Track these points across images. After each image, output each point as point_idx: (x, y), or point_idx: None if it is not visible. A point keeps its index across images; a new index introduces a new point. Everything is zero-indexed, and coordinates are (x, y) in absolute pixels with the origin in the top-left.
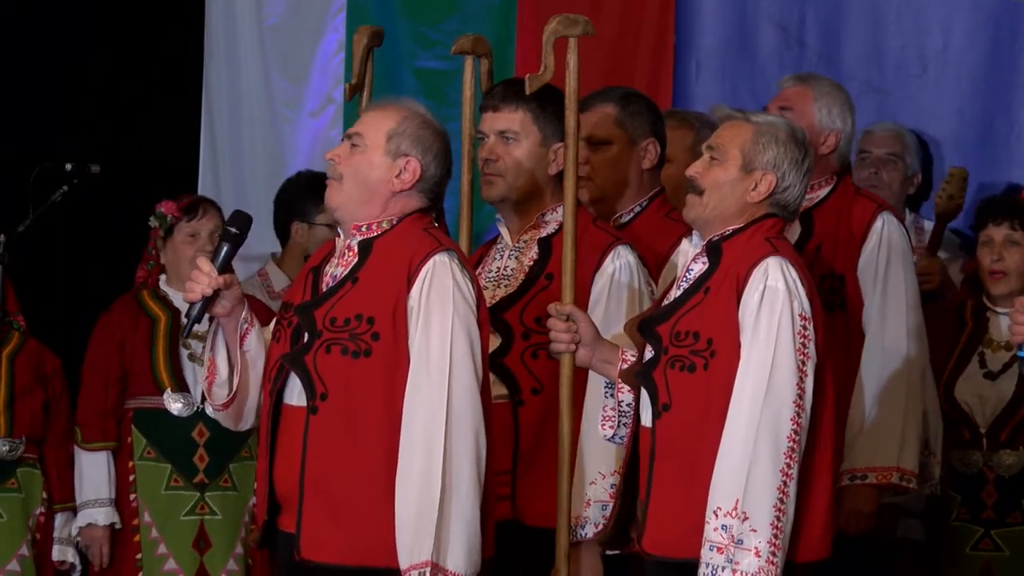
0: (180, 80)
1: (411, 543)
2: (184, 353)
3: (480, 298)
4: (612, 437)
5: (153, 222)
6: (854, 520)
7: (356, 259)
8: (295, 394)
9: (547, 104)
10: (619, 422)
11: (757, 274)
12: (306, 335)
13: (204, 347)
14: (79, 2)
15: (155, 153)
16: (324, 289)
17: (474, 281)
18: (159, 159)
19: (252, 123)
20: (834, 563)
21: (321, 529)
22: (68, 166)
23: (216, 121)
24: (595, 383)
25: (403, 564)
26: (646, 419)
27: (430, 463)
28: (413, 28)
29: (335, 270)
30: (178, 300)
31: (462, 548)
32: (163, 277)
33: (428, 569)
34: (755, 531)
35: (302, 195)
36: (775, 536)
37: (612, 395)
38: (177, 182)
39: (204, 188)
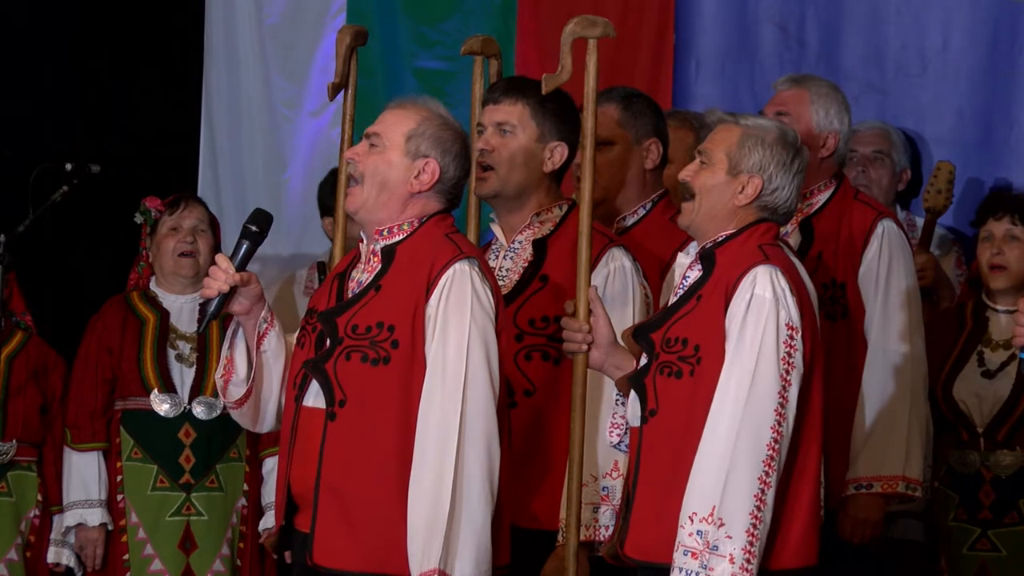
0: (180, 80)
1: (421, 551)
2: (172, 354)
3: (499, 305)
4: (618, 444)
5: (139, 218)
6: (860, 529)
7: (380, 266)
8: (312, 396)
9: (547, 101)
10: (626, 430)
11: (745, 282)
12: (328, 342)
13: (223, 346)
14: (80, 2)
15: (155, 153)
16: (349, 295)
17: (494, 289)
18: (159, 159)
19: (252, 123)
20: (831, 564)
21: (334, 535)
22: (68, 166)
23: (216, 121)
24: (606, 389)
25: (413, 572)
26: (634, 422)
27: (441, 471)
28: (413, 28)
29: (360, 276)
30: (167, 301)
31: (470, 556)
32: (153, 278)
33: None
34: (730, 537)
35: (328, 192)
36: (750, 543)
37: (623, 403)
38: (177, 182)
39: (204, 188)
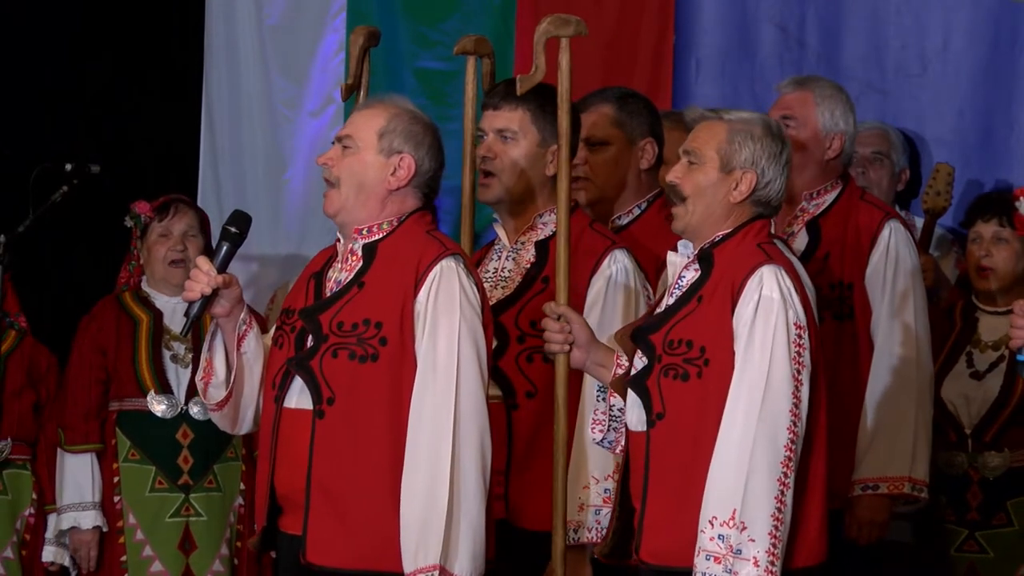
0: (180, 80)
1: (416, 547)
2: (167, 355)
3: (484, 301)
4: (601, 441)
5: (129, 222)
6: (866, 530)
7: (361, 263)
8: (295, 397)
9: (547, 105)
10: (609, 426)
11: (752, 283)
12: (311, 339)
13: (204, 347)
14: (80, 2)
15: (155, 153)
16: (328, 294)
17: (479, 285)
18: (159, 159)
19: (252, 123)
20: (837, 564)
21: (327, 533)
22: (68, 166)
23: (216, 121)
24: (589, 386)
25: (407, 568)
26: (638, 426)
27: (437, 468)
28: (413, 28)
29: (339, 275)
30: (160, 301)
31: (468, 552)
32: (144, 278)
33: (436, 572)
34: (754, 541)
35: None
36: (773, 545)
37: (604, 399)
38: (177, 182)
39: (204, 188)
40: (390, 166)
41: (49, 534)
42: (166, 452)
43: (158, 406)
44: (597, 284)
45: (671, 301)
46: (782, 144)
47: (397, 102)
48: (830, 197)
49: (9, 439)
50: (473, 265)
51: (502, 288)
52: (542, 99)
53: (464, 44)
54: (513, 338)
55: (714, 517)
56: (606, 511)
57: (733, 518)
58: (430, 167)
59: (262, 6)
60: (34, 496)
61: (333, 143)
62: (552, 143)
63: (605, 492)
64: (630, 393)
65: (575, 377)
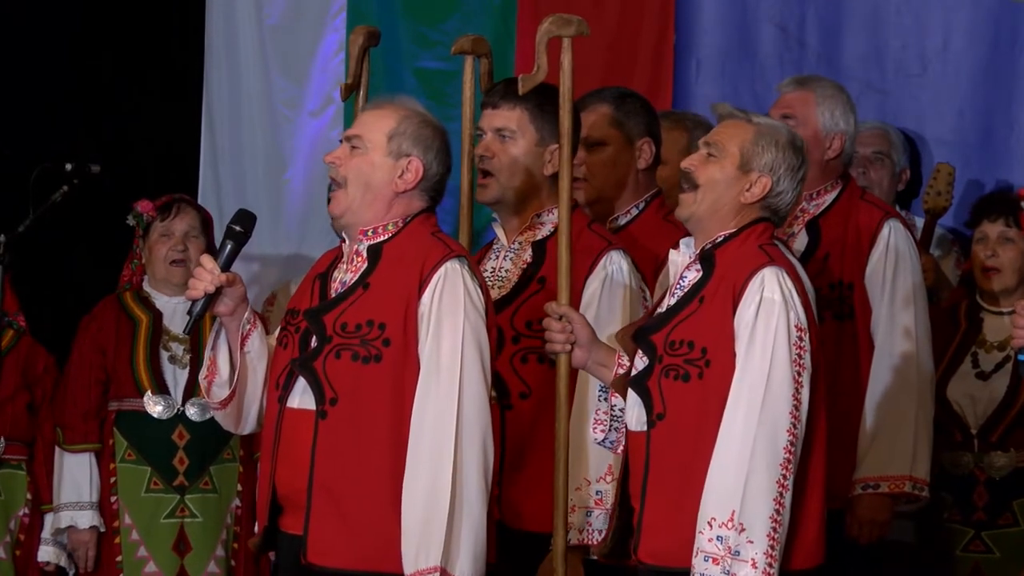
0: (180, 80)
1: (417, 549)
2: (164, 355)
3: (489, 304)
4: (603, 441)
5: (131, 221)
6: (867, 529)
7: (366, 264)
8: (297, 398)
9: (546, 104)
10: (611, 426)
11: (753, 285)
12: (315, 340)
13: (208, 345)
14: (80, 2)
15: (155, 153)
16: (333, 295)
17: (483, 287)
18: (159, 159)
19: (252, 123)
20: (838, 565)
21: (328, 534)
22: (68, 166)
23: (216, 121)
24: (591, 387)
25: (408, 570)
26: (637, 426)
27: (439, 470)
28: (413, 28)
29: (344, 276)
30: (160, 301)
31: (469, 554)
32: (146, 277)
33: (436, 574)
34: (752, 542)
35: None
36: (772, 547)
37: (606, 399)
38: (177, 182)
39: (204, 188)
40: (398, 168)
41: (46, 533)
42: (161, 453)
43: (155, 407)
44: (593, 284)
45: (672, 302)
46: (802, 159)
47: (407, 104)
48: (830, 197)
49: (2, 438)
50: (478, 267)
51: (498, 288)
52: (541, 98)
53: (461, 44)
54: (508, 339)
55: (713, 518)
56: (597, 512)
57: (732, 519)
58: (437, 171)
59: (262, 6)
60: (28, 496)
61: (341, 142)
62: (550, 142)
63: (597, 494)
64: (630, 393)
65: (571, 377)
